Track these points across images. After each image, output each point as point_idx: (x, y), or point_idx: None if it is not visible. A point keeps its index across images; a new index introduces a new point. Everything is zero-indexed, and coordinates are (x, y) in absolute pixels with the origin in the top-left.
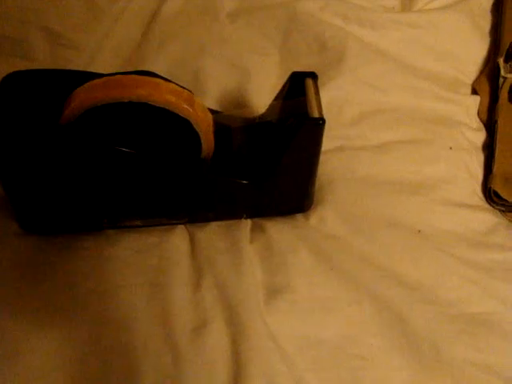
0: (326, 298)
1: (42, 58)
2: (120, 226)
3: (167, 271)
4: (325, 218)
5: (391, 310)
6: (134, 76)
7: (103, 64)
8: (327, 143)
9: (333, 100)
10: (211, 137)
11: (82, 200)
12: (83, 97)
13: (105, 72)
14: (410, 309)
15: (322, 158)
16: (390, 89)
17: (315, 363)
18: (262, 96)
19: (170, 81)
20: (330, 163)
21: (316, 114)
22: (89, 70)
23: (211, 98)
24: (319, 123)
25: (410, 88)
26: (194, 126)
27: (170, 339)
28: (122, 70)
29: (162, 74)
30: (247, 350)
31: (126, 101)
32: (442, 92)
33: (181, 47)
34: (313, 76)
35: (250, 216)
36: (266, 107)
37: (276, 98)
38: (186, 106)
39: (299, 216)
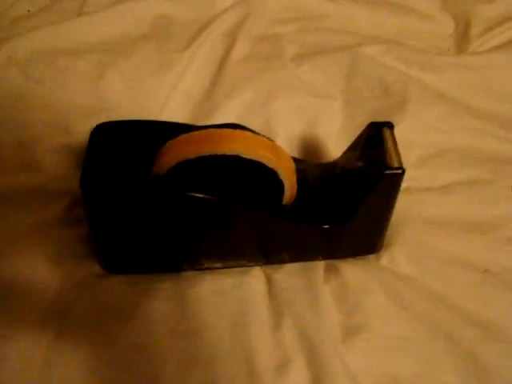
0: (401, 336)
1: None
2: (200, 268)
3: (247, 312)
4: (395, 258)
5: (464, 347)
6: (227, 130)
7: (175, 109)
8: None
9: (398, 143)
10: (294, 185)
11: (165, 244)
12: (178, 150)
13: (177, 117)
14: (482, 346)
15: None
16: (452, 131)
17: None
18: (329, 140)
19: (256, 133)
20: (399, 204)
21: (396, 164)
22: (161, 115)
23: (281, 142)
24: (399, 173)
25: (471, 129)
26: (280, 176)
27: (253, 378)
28: (192, 115)
29: (233, 119)
30: None
31: (218, 154)
32: (503, 132)
33: (250, 93)
34: (389, 126)
35: (325, 258)
36: (336, 148)
37: (352, 147)
38: (274, 158)
39: (371, 257)
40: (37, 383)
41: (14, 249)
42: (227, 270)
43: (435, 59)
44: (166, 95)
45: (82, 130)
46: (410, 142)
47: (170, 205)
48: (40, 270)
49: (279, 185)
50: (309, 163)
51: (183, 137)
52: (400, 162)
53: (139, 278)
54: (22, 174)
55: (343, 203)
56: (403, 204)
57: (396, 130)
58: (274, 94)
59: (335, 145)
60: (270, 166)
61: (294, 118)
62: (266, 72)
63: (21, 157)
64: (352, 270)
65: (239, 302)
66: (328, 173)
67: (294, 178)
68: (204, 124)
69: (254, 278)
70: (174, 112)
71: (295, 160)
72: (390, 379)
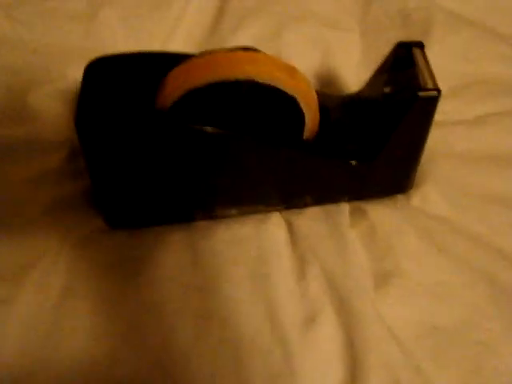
0: (438, 281)
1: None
2: (214, 217)
3: (268, 262)
4: (427, 197)
5: (508, 292)
6: (239, 52)
7: (177, 48)
8: None
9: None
10: (316, 115)
11: (174, 190)
12: (185, 77)
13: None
14: None
15: None
16: (481, 59)
17: (432, 351)
18: (348, 73)
19: (271, 56)
20: (429, 139)
21: (430, 85)
22: None
23: None
24: (435, 95)
25: (501, 57)
26: (300, 103)
27: (278, 334)
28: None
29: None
30: (362, 341)
31: (231, 79)
32: None
33: (259, 25)
34: (420, 45)
35: (350, 199)
36: (361, 83)
37: (378, 72)
38: (293, 82)
39: (400, 197)
40: (42, 349)
41: (8, 205)
42: (243, 217)
43: None
44: (167, 33)
45: (78, 74)
46: (437, 73)
47: (177, 142)
48: (38, 226)
49: (299, 115)
50: (329, 94)
51: (189, 62)
52: (435, 83)
53: (147, 232)
54: (15, 125)
55: (371, 135)
56: (433, 139)
57: None
58: (284, 27)
59: (354, 79)
60: (289, 91)
61: (307, 51)
62: (274, 2)
63: (13, 106)
64: (380, 212)
65: (258, 252)
66: (352, 103)
67: (316, 107)
68: None
69: (274, 225)
70: (176, 49)
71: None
72: (428, 328)
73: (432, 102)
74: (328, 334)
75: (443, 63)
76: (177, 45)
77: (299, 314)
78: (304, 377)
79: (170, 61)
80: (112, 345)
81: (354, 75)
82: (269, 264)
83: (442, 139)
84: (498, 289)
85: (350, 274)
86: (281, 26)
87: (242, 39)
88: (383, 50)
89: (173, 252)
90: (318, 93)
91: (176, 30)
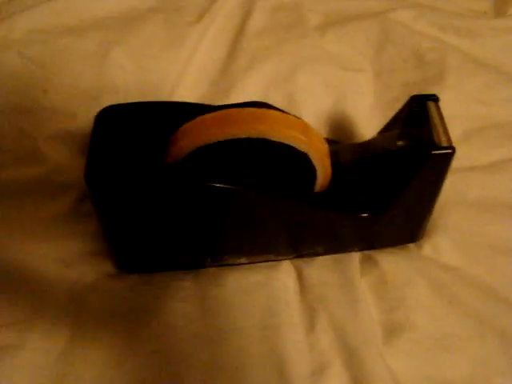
0: (448, 334)
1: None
2: (223, 265)
3: (277, 311)
4: (439, 246)
5: None
6: (250, 109)
7: (188, 88)
8: None
9: None
10: (329, 170)
11: (184, 239)
12: (195, 134)
13: (191, 97)
14: None
15: None
16: (496, 102)
17: None
18: (361, 115)
19: (283, 111)
20: None
21: (445, 143)
22: (173, 96)
23: (307, 118)
24: (449, 152)
25: None
26: (312, 159)
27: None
28: (208, 94)
29: (253, 96)
30: None
31: (242, 137)
32: None
33: (271, 67)
34: (434, 99)
35: (361, 249)
36: (373, 127)
37: (392, 123)
38: (305, 139)
39: (411, 246)
40: None
41: (19, 248)
42: (254, 265)
43: (472, 23)
44: (179, 73)
45: (88, 115)
46: (451, 117)
47: (187, 196)
48: (49, 271)
49: (311, 170)
50: (340, 143)
51: (201, 119)
52: (449, 140)
53: (157, 277)
54: (25, 166)
55: (382, 188)
56: (445, 186)
57: None
58: (297, 67)
59: (367, 122)
60: (301, 148)
61: (320, 93)
62: (287, 43)
63: (22, 146)
64: (391, 261)
65: (268, 301)
66: (364, 154)
67: (328, 162)
68: (222, 104)
69: (284, 273)
70: (187, 91)
71: (326, 140)
72: (437, 382)
73: (446, 160)
74: None
75: (457, 106)
76: (188, 85)
77: (307, 366)
78: None
79: (181, 110)
80: None
81: (367, 118)
82: (278, 314)
83: (455, 186)
84: (508, 342)
85: (360, 325)
86: (294, 66)
87: (255, 80)
88: (396, 91)
89: (182, 299)
90: (329, 142)
91: (187, 70)
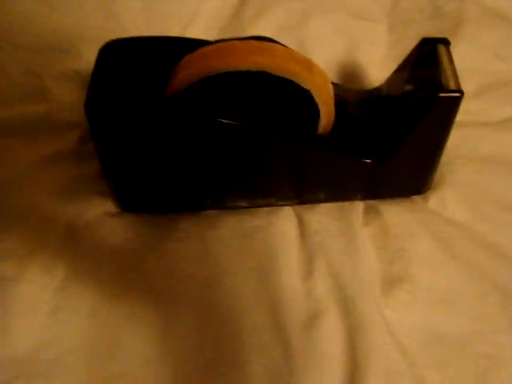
0: (449, 289)
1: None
2: (223, 207)
3: (275, 257)
4: (445, 200)
5: None
6: (252, 42)
7: (198, 32)
8: None
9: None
10: (332, 109)
11: (184, 178)
12: (196, 65)
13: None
14: None
15: None
16: None
17: (437, 360)
18: (372, 66)
19: (287, 47)
20: (450, 140)
21: (453, 86)
22: None
23: None
24: (457, 96)
25: None
26: (315, 97)
27: (280, 331)
28: (218, 38)
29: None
30: (365, 346)
31: (243, 70)
32: None
33: (283, 13)
34: (445, 42)
35: (364, 197)
36: (379, 75)
37: (401, 68)
38: (308, 75)
39: (417, 198)
40: (44, 328)
41: (20, 184)
42: (255, 209)
43: None
44: (188, 17)
45: (95, 54)
46: (465, 70)
47: (186, 130)
48: (48, 205)
49: (314, 109)
50: (349, 88)
51: (202, 50)
52: (458, 83)
53: (157, 218)
54: (31, 104)
55: (389, 134)
56: (455, 140)
57: None
58: (309, 14)
59: (378, 72)
60: (304, 85)
61: (331, 41)
62: None
63: (30, 85)
64: (395, 212)
65: (266, 246)
66: (372, 99)
67: (332, 102)
68: None
69: (284, 219)
70: (196, 36)
71: (333, 85)
72: (435, 337)
73: (453, 104)
74: (330, 335)
75: (473, 60)
76: (197, 30)
77: (302, 312)
78: (302, 377)
79: (185, 46)
80: (111, 331)
81: (379, 69)
82: (276, 259)
83: (465, 141)
84: (509, 300)
85: (358, 275)
86: (306, 14)
87: (264, 26)
88: (411, 43)
89: (181, 240)
90: (337, 86)
91: (197, 15)
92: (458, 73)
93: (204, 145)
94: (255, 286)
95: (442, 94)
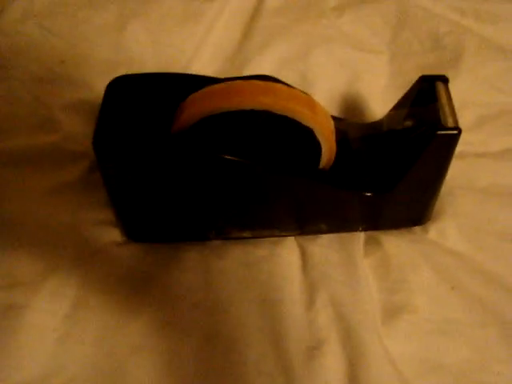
0: (448, 319)
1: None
2: (227, 238)
3: (278, 287)
4: (445, 231)
5: None
6: (256, 82)
7: (203, 64)
8: None
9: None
10: (333, 145)
11: (189, 210)
12: (201, 104)
13: (206, 73)
14: None
15: None
16: None
17: None
18: (374, 97)
19: (290, 86)
20: (450, 171)
21: (451, 123)
22: (188, 71)
23: (320, 100)
24: (455, 133)
25: None
26: (317, 135)
27: (282, 360)
28: (222, 71)
29: (267, 73)
30: (366, 375)
31: (247, 109)
32: None
33: (286, 46)
34: (444, 80)
35: (365, 229)
36: (386, 110)
37: (400, 104)
38: (309, 113)
39: (417, 229)
40: (51, 356)
41: (30, 212)
42: (258, 240)
43: (493, 8)
44: (194, 49)
45: (103, 86)
46: (465, 102)
47: (191, 166)
48: (56, 233)
49: (316, 146)
50: (350, 122)
51: (208, 89)
52: (456, 121)
53: (162, 247)
54: (39, 134)
55: (388, 168)
56: (455, 171)
57: (450, 88)
58: (312, 47)
59: (380, 104)
60: (306, 123)
61: (334, 73)
62: (303, 23)
63: (38, 115)
64: (395, 243)
65: (270, 276)
66: (372, 133)
67: (333, 138)
68: None
69: (287, 250)
70: (202, 67)
71: (335, 119)
72: (434, 366)
73: (451, 140)
74: (332, 364)
75: (472, 91)
76: (203, 61)
77: (305, 342)
78: None
79: (191, 83)
80: (116, 361)
81: (380, 100)
82: (279, 289)
83: (465, 172)
84: (509, 330)
85: (360, 305)
86: (309, 46)
87: (269, 58)
88: (411, 74)
89: (185, 270)
90: (338, 121)
91: (203, 46)
92: (458, 104)
93: (208, 180)
94: (259, 315)
95: (440, 132)
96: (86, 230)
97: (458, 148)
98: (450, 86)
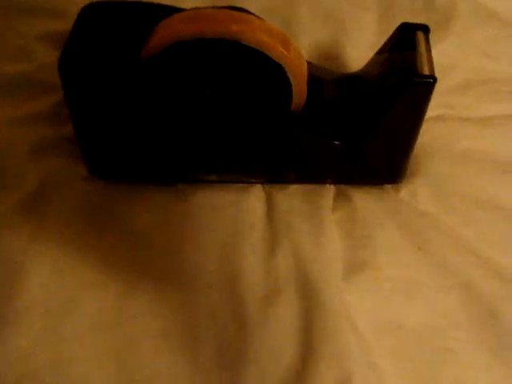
0: (412, 280)
1: None
2: (193, 180)
3: (241, 233)
4: (417, 192)
5: (483, 302)
6: (228, 10)
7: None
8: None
9: (437, 63)
10: (304, 87)
11: (155, 147)
12: (170, 29)
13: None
14: (504, 304)
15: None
16: (503, 57)
17: (392, 351)
18: (357, 52)
19: (263, 20)
20: (429, 133)
21: (426, 71)
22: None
23: (302, 48)
24: (430, 81)
25: None
26: (287, 72)
27: (237, 306)
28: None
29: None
30: (320, 329)
31: (216, 37)
32: None
33: None
34: (425, 29)
35: (335, 182)
36: (365, 62)
37: (379, 52)
38: (280, 49)
39: (388, 187)
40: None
41: None
42: (225, 185)
43: None
44: None
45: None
46: (452, 64)
47: (158, 95)
48: (18, 163)
49: (286, 86)
50: (327, 70)
51: (178, 15)
52: (432, 69)
53: (127, 186)
54: (14, 63)
55: (362, 117)
56: (434, 133)
57: (438, 49)
58: None
59: (364, 60)
60: (277, 59)
61: (319, 24)
62: None
63: (12, 44)
64: (365, 200)
65: (233, 221)
66: (349, 81)
67: (304, 78)
68: None
69: (254, 197)
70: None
71: (311, 64)
72: (393, 327)
73: (427, 89)
74: (287, 314)
75: (461, 55)
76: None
77: (261, 290)
78: (254, 354)
79: (164, 12)
80: (68, 292)
81: (363, 56)
82: (241, 235)
83: (444, 135)
84: (472, 297)
85: (322, 258)
86: None
87: (253, 4)
88: None
89: (146, 209)
90: (315, 67)
91: None
92: (445, 66)
93: (173, 112)
94: (217, 259)
95: (415, 79)
96: (51, 161)
97: (440, 110)
98: (440, 47)
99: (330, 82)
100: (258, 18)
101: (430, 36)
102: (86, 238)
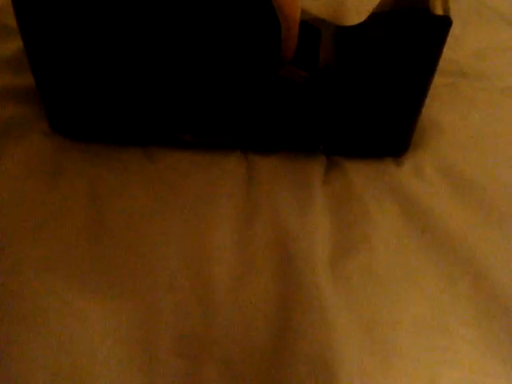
0: (411, 267)
1: None
2: (166, 143)
3: (215, 201)
4: (422, 167)
5: (495, 298)
6: None
7: None
8: (436, 76)
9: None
10: (295, 32)
11: (121, 97)
12: None
13: None
14: None
15: (429, 92)
16: None
17: (381, 349)
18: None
19: None
20: (438, 102)
21: (439, 11)
22: None
23: None
24: (445, 23)
25: None
26: (277, 12)
27: (204, 285)
28: None
29: None
30: (297, 322)
31: None
32: None
33: None
34: None
35: (328, 150)
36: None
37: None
38: None
39: (389, 160)
40: None
41: None
42: (203, 148)
43: None
44: None
45: None
46: (467, 28)
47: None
48: None
49: (277, 30)
50: (326, 22)
51: None
52: (447, 10)
53: (93, 146)
54: None
55: (359, 70)
56: (445, 103)
57: (452, 11)
58: None
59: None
60: None
61: None
62: None
63: None
64: (362, 173)
65: (208, 188)
66: (348, 33)
67: (296, 24)
68: None
69: (233, 163)
70: None
71: (307, 14)
72: (384, 322)
73: (440, 34)
74: (261, 296)
75: (478, 19)
76: None
77: (234, 267)
78: (219, 341)
79: None
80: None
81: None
82: (215, 202)
83: (456, 105)
84: (481, 291)
85: (306, 234)
86: None
87: None
88: None
89: (111, 170)
90: (312, 16)
91: None
92: (458, 30)
93: (145, 49)
94: (186, 231)
95: (426, 19)
96: (10, 111)
97: (452, 78)
98: (453, 8)
99: (327, 33)
100: None
101: None
102: (42, 195)
